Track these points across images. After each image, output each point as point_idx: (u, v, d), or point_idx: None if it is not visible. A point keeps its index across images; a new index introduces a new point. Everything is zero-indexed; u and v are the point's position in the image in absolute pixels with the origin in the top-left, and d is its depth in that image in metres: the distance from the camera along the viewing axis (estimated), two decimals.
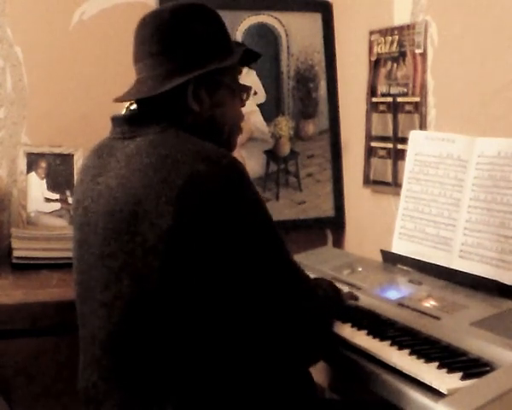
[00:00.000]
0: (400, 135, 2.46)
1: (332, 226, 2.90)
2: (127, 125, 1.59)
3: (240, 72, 1.74)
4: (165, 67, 1.60)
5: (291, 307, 1.51)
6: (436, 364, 1.46)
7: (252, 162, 2.79)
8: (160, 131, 1.54)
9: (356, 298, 1.87)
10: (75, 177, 2.54)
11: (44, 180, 2.56)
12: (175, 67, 1.59)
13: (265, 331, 1.51)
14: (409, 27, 2.41)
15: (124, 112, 1.70)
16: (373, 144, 2.62)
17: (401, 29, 2.45)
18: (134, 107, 1.68)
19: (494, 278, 1.77)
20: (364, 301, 1.86)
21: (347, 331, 1.70)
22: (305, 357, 1.60)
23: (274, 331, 1.51)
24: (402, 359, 1.52)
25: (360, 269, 2.09)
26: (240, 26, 2.77)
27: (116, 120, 1.64)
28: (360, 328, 1.70)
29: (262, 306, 1.49)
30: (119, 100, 1.65)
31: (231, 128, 1.69)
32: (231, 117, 1.69)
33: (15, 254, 2.40)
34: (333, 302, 1.70)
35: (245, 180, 1.50)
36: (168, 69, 1.59)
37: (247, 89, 1.74)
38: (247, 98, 1.74)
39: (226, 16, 1.71)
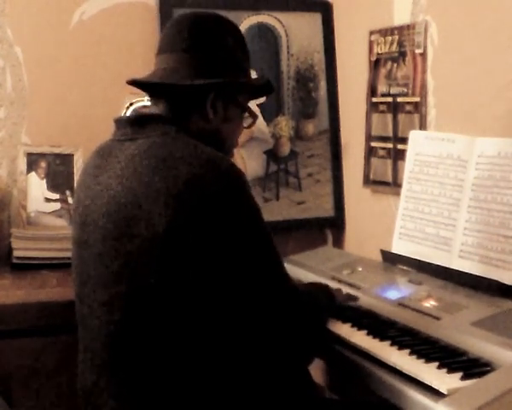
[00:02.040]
0: (400, 135, 2.46)
1: (332, 226, 2.90)
2: (130, 127, 1.60)
3: (252, 98, 1.77)
4: (195, 64, 1.61)
5: (276, 311, 1.52)
6: (436, 364, 1.46)
7: (252, 162, 2.79)
8: (161, 134, 1.55)
9: (355, 299, 1.87)
10: (75, 177, 2.54)
11: (44, 180, 2.56)
12: (203, 69, 1.61)
13: (255, 332, 1.52)
14: (409, 27, 2.41)
15: (124, 112, 1.70)
16: (373, 144, 2.62)
17: (401, 29, 2.45)
18: (135, 107, 1.68)
19: (494, 278, 1.77)
20: (364, 301, 1.86)
21: (347, 331, 1.70)
22: (292, 358, 1.60)
23: (262, 332, 1.52)
24: (402, 359, 1.52)
25: (360, 269, 2.09)
26: (240, 26, 2.76)
27: (119, 122, 1.64)
28: (360, 328, 1.70)
29: (251, 308, 1.50)
30: (140, 81, 1.65)
31: (230, 146, 1.72)
32: (234, 136, 1.72)
33: (15, 254, 2.40)
34: (321, 309, 1.70)
35: (244, 186, 1.51)
36: (197, 68, 1.61)
37: (254, 116, 1.76)
38: (252, 125, 1.78)
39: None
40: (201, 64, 1.62)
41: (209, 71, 1.61)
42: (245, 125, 1.75)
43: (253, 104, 2.73)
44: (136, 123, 1.60)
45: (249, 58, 1.73)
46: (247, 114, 1.74)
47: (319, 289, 1.78)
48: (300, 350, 1.60)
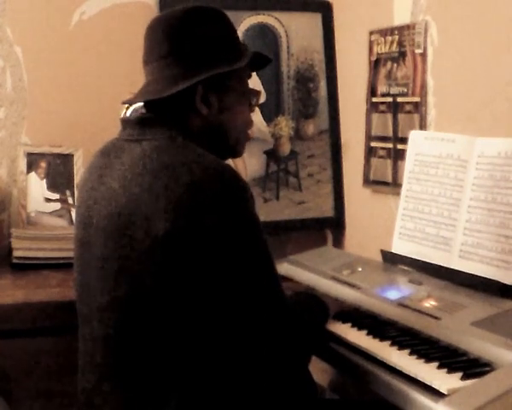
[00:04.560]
0: (400, 135, 2.46)
1: (332, 226, 2.90)
2: (136, 127, 1.59)
3: (249, 76, 1.73)
4: (174, 69, 1.59)
5: (267, 322, 1.51)
6: (436, 364, 1.46)
7: (252, 162, 2.79)
8: (167, 137, 1.54)
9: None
10: (75, 177, 2.54)
11: (44, 180, 2.56)
12: (184, 70, 1.58)
13: (248, 340, 1.51)
14: (409, 27, 2.41)
15: (124, 113, 1.69)
16: (373, 144, 2.62)
17: (401, 29, 2.45)
18: (134, 108, 1.67)
19: (494, 278, 1.77)
20: (364, 301, 1.86)
21: (347, 331, 1.70)
22: (283, 364, 1.57)
23: (254, 340, 1.51)
24: (402, 359, 1.52)
25: (360, 269, 2.09)
26: (240, 26, 2.76)
27: (125, 122, 1.63)
28: (360, 328, 1.70)
29: (244, 316, 1.49)
30: (127, 102, 1.64)
31: (239, 134, 1.68)
32: (239, 122, 1.67)
33: (15, 254, 2.40)
34: (313, 326, 1.68)
35: (245, 196, 1.50)
36: (177, 72, 1.58)
37: (256, 93, 1.73)
38: (257, 103, 1.73)
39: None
40: (181, 66, 1.58)
41: (190, 70, 1.58)
42: (252, 103, 1.70)
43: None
44: (143, 124, 1.58)
45: (235, 35, 1.67)
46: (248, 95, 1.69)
47: (313, 302, 1.75)
48: (291, 357, 1.58)
